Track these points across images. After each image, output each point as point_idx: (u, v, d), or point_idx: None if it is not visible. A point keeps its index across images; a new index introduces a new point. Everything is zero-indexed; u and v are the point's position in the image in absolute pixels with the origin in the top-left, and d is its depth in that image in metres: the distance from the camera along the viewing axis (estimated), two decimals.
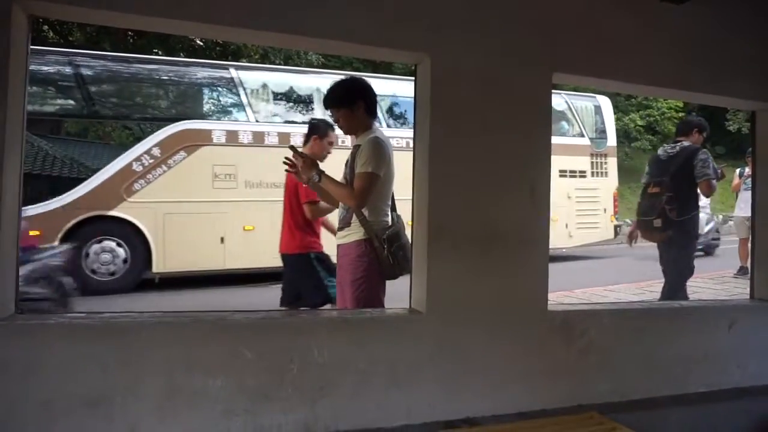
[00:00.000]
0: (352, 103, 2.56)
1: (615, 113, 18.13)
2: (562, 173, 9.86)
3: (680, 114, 18.86)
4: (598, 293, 7.02)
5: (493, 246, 2.36)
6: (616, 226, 10.89)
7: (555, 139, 11.12)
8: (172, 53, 12.18)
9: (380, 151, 2.49)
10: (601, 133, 10.89)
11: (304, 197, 3.53)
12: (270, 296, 4.47)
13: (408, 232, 2.55)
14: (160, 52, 12.43)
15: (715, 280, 7.50)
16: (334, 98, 2.64)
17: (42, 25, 11.20)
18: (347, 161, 2.62)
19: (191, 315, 2.09)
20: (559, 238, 9.53)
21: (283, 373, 2.05)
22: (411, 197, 2.41)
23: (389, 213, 2.59)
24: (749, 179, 7.27)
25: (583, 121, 10.68)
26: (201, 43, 12.09)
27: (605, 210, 10.63)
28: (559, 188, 8.95)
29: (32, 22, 1.96)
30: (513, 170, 2.40)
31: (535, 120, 2.44)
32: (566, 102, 10.49)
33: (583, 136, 10.56)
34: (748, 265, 7.24)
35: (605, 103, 11.11)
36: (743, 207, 7.68)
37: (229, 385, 1.99)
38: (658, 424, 2.51)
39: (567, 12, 2.50)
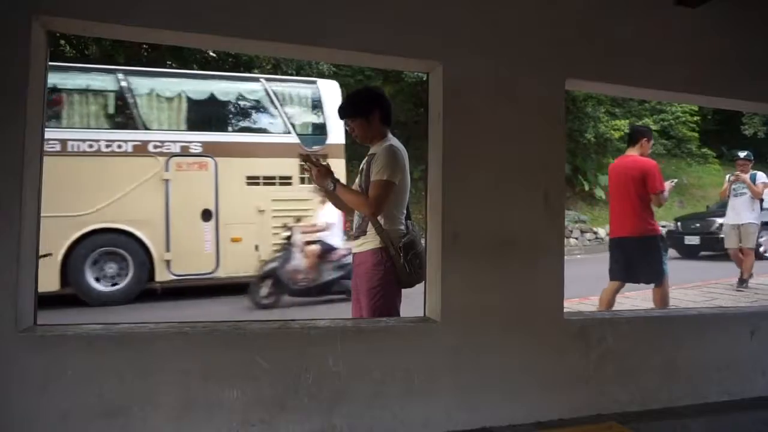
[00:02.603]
0: (368, 113, 2.57)
1: (627, 118, 18.02)
2: (252, 180, 7.25)
3: (695, 118, 18.66)
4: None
5: (508, 253, 2.35)
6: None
7: (242, 137, 7.72)
8: (186, 65, 12.33)
9: (395, 159, 2.49)
10: (319, 127, 8.03)
11: (655, 188, 4.29)
12: None
13: None
14: (173, 65, 12.60)
15: (734, 286, 7.35)
16: (349, 108, 2.67)
17: (59, 40, 11.43)
18: (361, 169, 2.62)
19: (208, 325, 2.10)
20: (245, 262, 6.96)
21: (299, 382, 2.05)
22: (425, 205, 2.41)
23: (404, 221, 2.59)
24: (738, 184, 6.91)
25: (290, 112, 7.95)
26: (214, 55, 12.23)
27: None
28: (245, 200, 7.06)
29: (50, 38, 2.00)
30: (526, 177, 2.39)
31: (548, 126, 2.43)
32: (265, 88, 7.79)
33: (288, 132, 7.71)
34: (747, 275, 6.85)
35: (328, 89, 8.16)
36: (731, 215, 7.06)
37: (245, 394, 1.99)
38: None
39: (579, 18, 2.50)
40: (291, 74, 12.67)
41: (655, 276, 4.48)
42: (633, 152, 4.58)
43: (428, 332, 2.27)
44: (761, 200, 6.75)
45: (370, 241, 2.53)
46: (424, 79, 2.46)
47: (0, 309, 1.80)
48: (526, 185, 2.39)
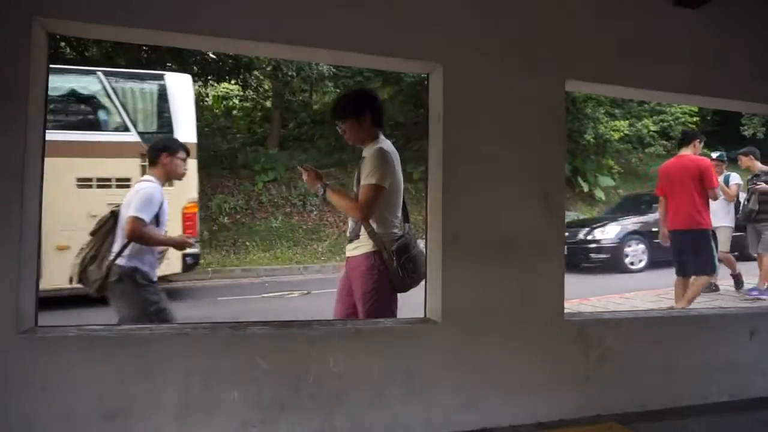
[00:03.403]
0: (360, 114, 2.57)
1: (627, 119, 18.03)
2: (84, 183, 6.59)
3: (694, 119, 18.67)
4: (613, 300, 6.94)
5: (508, 254, 2.35)
6: (187, 256, 6.98)
7: (72, 135, 6.89)
8: (185, 66, 12.34)
9: (385, 162, 2.47)
10: (165, 125, 7.32)
11: (712, 184, 4.83)
12: None
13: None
14: (173, 66, 12.60)
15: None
16: (340, 109, 2.68)
17: (59, 42, 11.44)
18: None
19: (209, 326, 2.11)
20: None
21: (299, 383, 2.05)
22: (425, 205, 2.41)
23: (399, 224, 2.58)
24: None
25: (132, 108, 7.27)
26: (214, 56, 12.24)
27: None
28: (74, 204, 6.20)
29: (50, 40, 2.01)
30: (526, 177, 2.39)
31: (548, 127, 2.43)
32: (101, 82, 7.10)
33: (128, 129, 7.09)
34: (718, 279, 6.50)
35: (178, 83, 7.49)
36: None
37: (246, 396, 1.99)
38: None
39: (579, 20, 2.50)
40: (290, 75, 12.68)
41: (705, 267, 4.92)
42: (687, 152, 5.10)
43: (428, 333, 2.28)
44: (739, 202, 6.59)
45: (363, 245, 2.51)
46: (424, 77, 2.45)
47: (0, 310, 1.80)
48: (527, 186, 2.39)
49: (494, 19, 2.36)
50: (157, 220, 2.97)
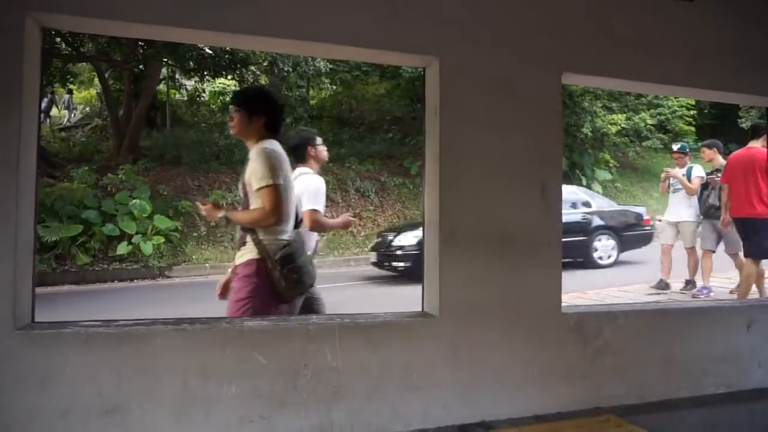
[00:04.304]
0: (252, 111, 2.56)
1: (624, 112, 18.05)
2: None
3: (691, 112, 18.69)
4: (611, 294, 6.96)
5: (506, 248, 2.35)
6: None
7: None
8: (181, 61, 12.29)
9: (269, 161, 2.44)
10: None
11: None
12: None
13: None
14: (169, 61, 12.56)
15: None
16: (240, 96, 2.81)
17: (54, 37, 11.36)
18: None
19: (206, 322, 2.10)
20: None
21: (298, 378, 2.06)
22: (422, 200, 2.41)
23: (287, 230, 2.52)
24: (674, 180, 6.53)
25: None
26: (210, 51, 12.18)
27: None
28: None
29: (45, 35, 1.99)
30: (524, 171, 2.39)
31: (545, 120, 2.43)
32: None
33: None
34: (679, 277, 6.46)
35: None
36: (670, 211, 6.71)
37: (243, 391, 1.99)
38: (676, 426, 2.48)
39: (576, 11, 2.49)
40: (287, 71, 12.65)
41: (764, 252, 5.25)
42: (756, 144, 5.37)
43: (426, 327, 2.28)
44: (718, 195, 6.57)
45: (248, 252, 2.49)
46: (422, 72, 2.45)
47: None
48: (524, 180, 2.39)
49: (490, 11, 2.35)
50: None
